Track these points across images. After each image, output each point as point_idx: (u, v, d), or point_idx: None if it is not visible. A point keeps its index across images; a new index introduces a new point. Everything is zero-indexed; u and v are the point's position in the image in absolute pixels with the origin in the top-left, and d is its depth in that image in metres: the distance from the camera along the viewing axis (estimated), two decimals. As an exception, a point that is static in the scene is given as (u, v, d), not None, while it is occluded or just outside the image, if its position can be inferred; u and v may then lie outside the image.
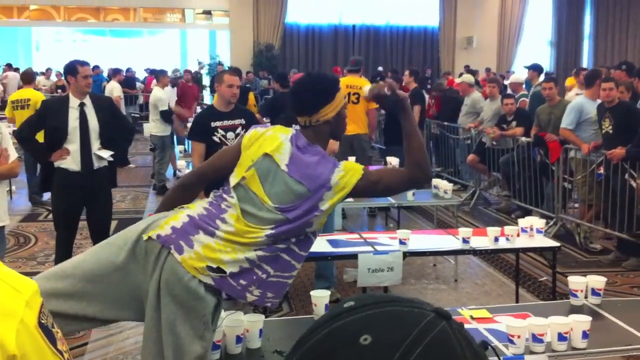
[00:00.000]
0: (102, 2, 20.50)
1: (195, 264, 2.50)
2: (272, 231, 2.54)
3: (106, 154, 4.94)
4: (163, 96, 9.35)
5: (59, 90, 17.42)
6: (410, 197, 5.76)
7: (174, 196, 2.86)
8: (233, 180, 2.62)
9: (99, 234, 4.95)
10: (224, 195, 2.63)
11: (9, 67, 17.62)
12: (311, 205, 2.55)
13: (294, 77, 5.38)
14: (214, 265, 2.51)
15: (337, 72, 14.22)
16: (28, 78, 9.24)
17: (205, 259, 2.51)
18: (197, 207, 2.64)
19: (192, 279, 2.50)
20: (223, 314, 2.89)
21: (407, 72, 10.03)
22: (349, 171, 2.58)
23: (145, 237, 2.56)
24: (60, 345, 0.95)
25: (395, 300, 0.75)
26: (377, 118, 8.47)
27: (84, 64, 5.05)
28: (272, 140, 2.64)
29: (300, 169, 2.58)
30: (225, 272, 2.52)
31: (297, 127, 2.93)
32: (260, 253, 2.55)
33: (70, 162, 4.85)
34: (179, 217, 2.60)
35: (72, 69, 4.97)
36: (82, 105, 4.88)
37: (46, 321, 0.94)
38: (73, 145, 4.83)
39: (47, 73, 18.28)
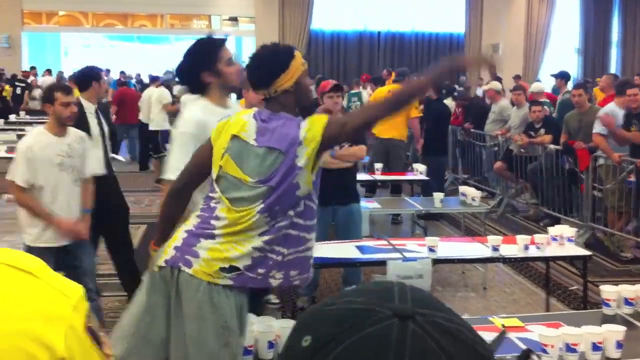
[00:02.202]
0: (130, 9, 20.73)
1: (208, 270, 2.49)
2: (262, 205, 2.50)
3: (119, 157, 5.05)
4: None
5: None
6: (438, 204, 5.74)
7: (167, 207, 2.81)
8: (213, 174, 2.61)
9: (120, 239, 5.00)
10: (210, 194, 2.62)
11: (48, 72, 18.01)
12: (288, 166, 2.51)
13: (323, 84, 5.40)
14: (226, 265, 2.49)
15: (364, 81, 14.24)
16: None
17: (215, 261, 2.49)
18: (191, 220, 2.63)
19: (209, 286, 2.47)
20: (254, 318, 2.90)
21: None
22: (314, 122, 2.55)
23: (156, 268, 2.59)
24: (106, 349, 0.97)
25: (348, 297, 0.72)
26: (419, 128, 8.50)
27: (102, 70, 5.15)
28: (236, 123, 2.62)
29: (267, 137, 2.55)
30: (239, 269, 2.50)
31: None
32: (265, 238, 2.50)
33: (97, 167, 4.82)
34: (178, 236, 2.60)
35: (96, 74, 4.98)
36: (96, 110, 4.91)
37: (92, 325, 0.95)
38: (97, 150, 4.78)
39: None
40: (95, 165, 4.59)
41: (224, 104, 3.08)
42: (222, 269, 2.49)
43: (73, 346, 0.90)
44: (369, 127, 2.81)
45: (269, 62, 2.60)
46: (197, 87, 3.07)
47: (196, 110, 3.02)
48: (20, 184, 3.97)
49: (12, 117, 12.49)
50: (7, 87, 14.96)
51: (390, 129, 7.52)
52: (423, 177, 7.06)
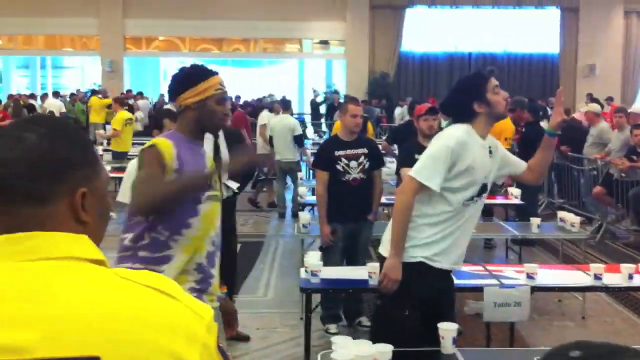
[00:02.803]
0: (225, 34, 21.41)
1: None
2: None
3: (234, 184, 5.09)
4: (296, 122, 9.78)
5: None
6: (535, 229, 5.61)
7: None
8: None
9: (227, 266, 5.08)
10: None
11: (140, 95, 18.83)
12: None
13: (418, 107, 5.40)
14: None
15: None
16: (122, 102, 11.76)
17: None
18: None
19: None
20: (350, 341, 2.91)
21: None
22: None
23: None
24: None
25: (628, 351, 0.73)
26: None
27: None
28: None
29: None
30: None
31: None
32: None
33: None
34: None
35: None
36: (216, 136, 4.98)
37: (222, 345, 1.02)
38: None
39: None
40: None
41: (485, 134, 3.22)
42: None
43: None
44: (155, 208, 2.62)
45: (181, 77, 2.75)
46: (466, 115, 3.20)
47: (460, 130, 3.16)
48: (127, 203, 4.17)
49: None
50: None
51: None
52: (518, 201, 6.91)
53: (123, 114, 10.53)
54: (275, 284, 6.54)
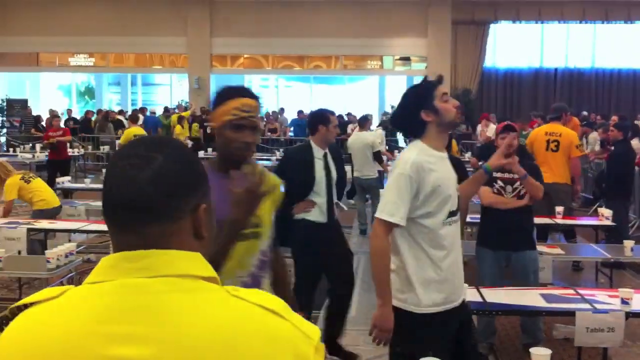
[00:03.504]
0: (307, 51, 21.72)
1: None
2: None
3: (342, 204, 5.05)
4: (376, 138, 9.75)
5: (269, 133, 18.68)
6: (628, 252, 5.43)
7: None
8: None
9: (344, 283, 4.98)
10: None
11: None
12: None
13: (498, 126, 5.33)
14: None
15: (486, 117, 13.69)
16: (135, 118, 12.62)
17: None
18: None
19: None
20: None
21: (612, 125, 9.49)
22: None
23: None
24: None
25: None
26: (581, 167, 8.10)
27: (333, 113, 4.93)
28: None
29: None
30: None
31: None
32: None
33: (318, 214, 4.73)
34: None
35: (323, 117, 4.82)
36: (325, 155, 4.82)
37: None
38: (319, 197, 4.71)
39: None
40: (315, 213, 4.68)
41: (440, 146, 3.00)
42: None
43: None
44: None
45: (212, 100, 2.47)
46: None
47: (412, 152, 2.94)
48: None
49: (201, 154, 13.49)
50: (195, 125, 16.19)
51: (548, 171, 7.13)
52: (609, 222, 6.69)
53: (133, 130, 11.02)
54: (358, 300, 6.56)
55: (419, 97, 2.97)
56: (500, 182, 4.88)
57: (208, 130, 16.32)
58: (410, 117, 2.95)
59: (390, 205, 2.83)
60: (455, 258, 2.94)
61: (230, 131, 2.35)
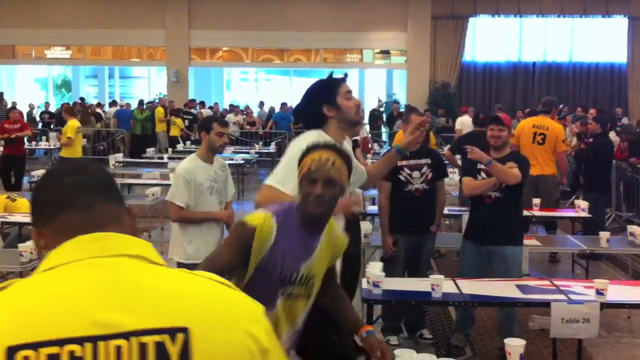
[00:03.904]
0: (287, 44, 21.64)
1: None
2: None
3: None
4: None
5: (248, 126, 18.60)
6: (604, 244, 5.47)
7: None
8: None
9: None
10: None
11: (202, 104, 19.20)
12: None
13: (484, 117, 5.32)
14: None
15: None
16: (70, 111, 11.59)
17: None
18: None
19: None
20: (415, 354, 2.89)
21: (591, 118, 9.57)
22: None
23: None
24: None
25: None
26: (567, 161, 8.18)
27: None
28: None
29: None
30: None
31: None
32: None
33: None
34: None
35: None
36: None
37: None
38: None
39: (235, 110, 19.60)
40: None
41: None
42: None
43: (271, 342, 1.14)
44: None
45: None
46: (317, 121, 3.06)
47: (313, 134, 2.97)
48: (180, 204, 4.30)
49: (180, 147, 13.38)
50: (178, 120, 16.08)
51: (535, 164, 7.21)
52: (585, 214, 6.73)
53: (74, 122, 10.57)
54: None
55: (323, 92, 3.03)
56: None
57: (186, 123, 16.22)
58: (312, 110, 3.01)
59: (282, 176, 2.84)
60: None
61: (307, 184, 2.35)
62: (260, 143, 16.04)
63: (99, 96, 24.04)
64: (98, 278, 1.08)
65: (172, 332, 1.05)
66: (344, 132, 3.01)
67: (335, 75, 3.15)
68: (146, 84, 25.16)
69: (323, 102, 3.00)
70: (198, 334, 1.06)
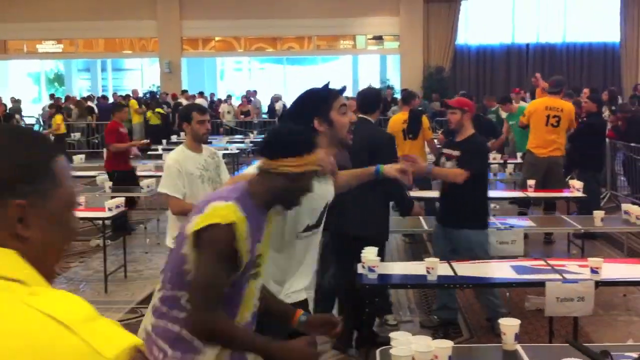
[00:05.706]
0: (279, 33, 21.55)
1: None
2: None
3: None
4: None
5: (242, 116, 18.56)
6: (598, 223, 5.48)
7: None
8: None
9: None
10: None
11: (200, 94, 19.17)
12: None
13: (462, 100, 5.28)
14: None
15: (516, 92, 13.70)
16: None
17: None
18: None
19: None
20: (411, 337, 2.89)
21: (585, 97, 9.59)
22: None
23: None
24: None
25: None
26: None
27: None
28: None
29: None
30: None
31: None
32: None
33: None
34: None
35: (379, 97, 5.16)
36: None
37: None
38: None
39: (229, 100, 19.55)
40: None
41: None
42: None
43: None
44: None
45: (288, 141, 2.34)
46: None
47: None
48: (178, 196, 4.28)
49: (174, 138, 13.35)
50: (158, 109, 16.14)
51: (547, 146, 7.38)
52: (580, 194, 6.73)
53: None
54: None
55: (316, 105, 2.76)
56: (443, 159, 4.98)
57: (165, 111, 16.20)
58: (302, 121, 2.64)
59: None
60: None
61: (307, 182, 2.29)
62: (255, 132, 16.01)
63: (92, 89, 23.95)
64: None
65: None
66: (329, 151, 2.76)
67: (332, 86, 2.91)
68: (139, 75, 25.07)
69: (315, 114, 2.72)
70: None
